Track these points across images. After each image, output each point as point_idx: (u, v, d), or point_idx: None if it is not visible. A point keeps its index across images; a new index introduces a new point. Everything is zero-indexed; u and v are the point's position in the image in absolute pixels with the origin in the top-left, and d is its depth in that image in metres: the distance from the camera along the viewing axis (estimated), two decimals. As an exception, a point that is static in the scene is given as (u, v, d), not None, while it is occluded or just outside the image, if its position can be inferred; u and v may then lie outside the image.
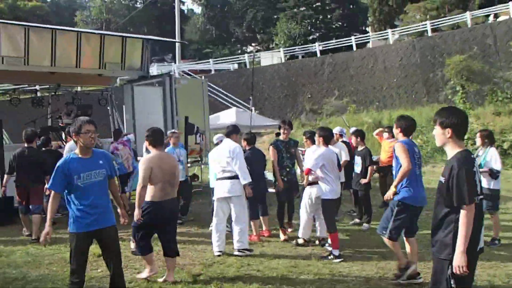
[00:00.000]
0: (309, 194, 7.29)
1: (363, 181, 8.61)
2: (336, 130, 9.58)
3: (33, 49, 11.19)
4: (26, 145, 8.43)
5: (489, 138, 7.30)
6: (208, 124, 13.80)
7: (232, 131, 7.33)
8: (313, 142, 7.38)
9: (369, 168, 8.63)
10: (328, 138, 6.97)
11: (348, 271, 6.10)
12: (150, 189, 5.58)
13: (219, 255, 6.82)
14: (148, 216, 5.57)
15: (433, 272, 3.61)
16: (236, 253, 6.85)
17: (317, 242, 7.41)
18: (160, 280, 5.69)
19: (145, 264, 5.94)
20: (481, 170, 7.02)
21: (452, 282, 3.42)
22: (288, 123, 8.45)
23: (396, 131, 5.85)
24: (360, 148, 8.94)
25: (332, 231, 6.69)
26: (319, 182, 6.87)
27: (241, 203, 7.00)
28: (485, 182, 7.01)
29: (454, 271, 3.38)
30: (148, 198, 5.57)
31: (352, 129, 10.19)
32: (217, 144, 8.66)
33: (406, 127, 5.70)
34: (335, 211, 7.02)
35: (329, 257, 6.57)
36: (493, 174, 7.03)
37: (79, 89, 16.04)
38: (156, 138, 5.80)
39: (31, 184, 8.23)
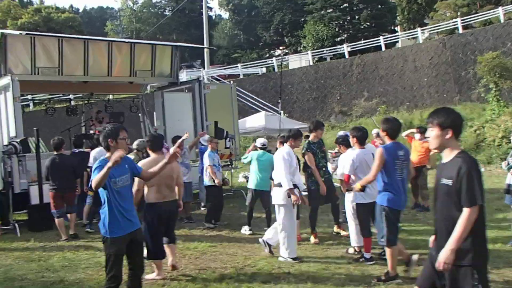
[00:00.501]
0: (351, 201, 7.09)
1: None
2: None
3: (66, 59, 11.56)
4: (55, 153, 8.99)
5: None
6: (237, 129, 13.90)
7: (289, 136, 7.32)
8: (347, 147, 7.37)
9: None
10: (362, 138, 6.73)
11: (379, 273, 6.06)
12: (147, 192, 5.93)
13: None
14: (149, 217, 5.90)
15: (452, 281, 3.37)
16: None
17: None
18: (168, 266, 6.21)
19: (154, 267, 6.13)
20: None
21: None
22: (316, 123, 8.37)
23: (382, 134, 5.88)
24: None
25: (366, 235, 6.57)
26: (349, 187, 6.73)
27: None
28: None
29: (438, 266, 3.32)
30: (147, 200, 5.94)
31: (375, 130, 10.11)
32: (262, 148, 8.85)
33: (392, 130, 5.69)
34: (369, 216, 6.63)
35: (360, 260, 6.53)
36: None
37: (111, 97, 16.36)
38: (155, 143, 6.19)
39: (65, 190, 8.78)
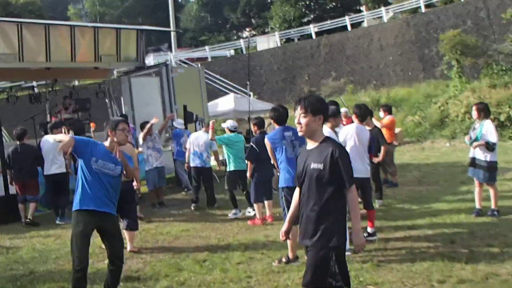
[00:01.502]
0: None
1: (376, 159, 8.50)
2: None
3: (27, 45, 11.17)
4: (18, 142, 9.28)
5: (484, 111, 7.35)
6: (207, 112, 13.86)
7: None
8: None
9: (383, 147, 8.48)
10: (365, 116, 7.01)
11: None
12: None
13: None
14: None
15: (315, 262, 3.46)
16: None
17: None
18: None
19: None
20: (477, 143, 7.15)
21: (336, 268, 3.44)
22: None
23: (270, 121, 6.33)
24: (369, 128, 8.79)
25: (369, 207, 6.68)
26: None
27: None
28: (481, 155, 7.15)
29: (356, 250, 3.54)
30: None
31: (343, 109, 10.18)
32: (233, 131, 8.76)
33: (278, 117, 6.06)
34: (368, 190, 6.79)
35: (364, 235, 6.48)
36: (489, 147, 7.10)
37: (76, 83, 16.04)
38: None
39: (24, 178, 9.08)
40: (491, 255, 5.57)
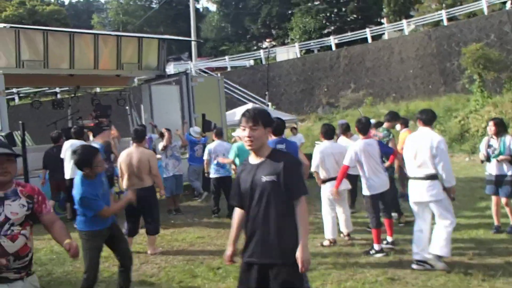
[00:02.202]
0: (326, 193, 7.22)
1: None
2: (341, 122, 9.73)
3: (52, 52, 11.47)
4: (53, 145, 9.91)
5: (502, 126, 7.26)
6: (225, 121, 13.95)
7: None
8: (326, 137, 7.39)
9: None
10: (365, 129, 6.80)
11: (365, 261, 6.19)
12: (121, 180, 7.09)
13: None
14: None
15: (290, 282, 3.26)
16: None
17: (342, 236, 7.36)
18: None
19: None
20: (502, 157, 6.98)
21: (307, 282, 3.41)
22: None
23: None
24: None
25: (376, 226, 6.53)
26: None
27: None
28: (505, 169, 7.03)
29: (303, 267, 3.20)
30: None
31: (372, 121, 10.19)
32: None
33: (275, 128, 6.19)
34: (377, 207, 6.63)
35: (371, 252, 6.47)
36: None
37: (98, 90, 16.29)
38: (136, 135, 7.09)
39: (60, 178, 9.41)
40: (509, 273, 5.49)
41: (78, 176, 4.85)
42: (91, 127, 11.27)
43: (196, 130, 11.64)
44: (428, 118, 6.10)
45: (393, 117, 8.76)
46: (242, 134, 3.36)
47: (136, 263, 6.48)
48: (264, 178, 3.28)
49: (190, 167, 11.23)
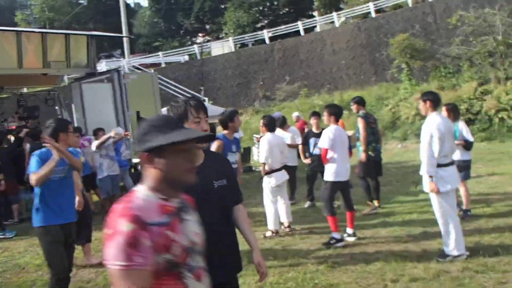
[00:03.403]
0: (268, 183, 7.26)
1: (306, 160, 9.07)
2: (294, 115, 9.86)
3: (-29, 51, 10.78)
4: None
5: (454, 112, 7.19)
6: (161, 118, 13.68)
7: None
8: (269, 129, 7.40)
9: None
10: (339, 115, 6.73)
11: (305, 252, 6.26)
12: None
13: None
14: None
15: None
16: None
17: (282, 228, 7.39)
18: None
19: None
20: (456, 142, 6.81)
21: None
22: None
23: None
24: (317, 131, 8.95)
25: (331, 213, 6.49)
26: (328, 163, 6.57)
27: None
28: (458, 154, 6.93)
29: (264, 272, 2.88)
30: None
31: (295, 114, 10.42)
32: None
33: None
34: (334, 195, 6.69)
35: (331, 242, 6.40)
36: (468, 145, 7.15)
37: (25, 90, 15.50)
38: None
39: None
40: (442, 254, 5.71)
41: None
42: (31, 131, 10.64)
43: (119, 130, 11.08)
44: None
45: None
46: (197, 127, 2.74)
47: (73, 269, 6.23)
48: (217, 183, 2.82)
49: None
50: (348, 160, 6.75)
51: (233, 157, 6.07)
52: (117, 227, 1.76)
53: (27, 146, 9.67)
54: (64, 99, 14.56)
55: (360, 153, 8.20)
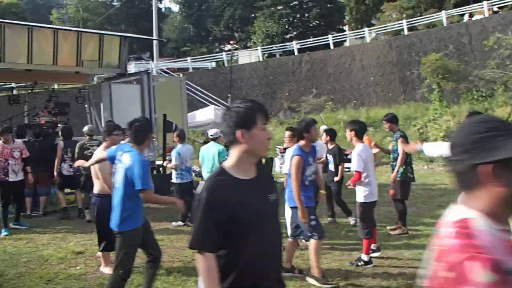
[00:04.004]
0: None
1: (336, 179, 8.71)
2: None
3: (9, 46, 11.00)
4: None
5: None
6: (186, 122, 13.78)
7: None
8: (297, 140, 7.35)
9: (340, 166, 8.72)
10: (361, 133, 6.33)
11: (327, 266, 6.19)
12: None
13: None
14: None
15: None
16: None
17: (303, 241, 7.28)
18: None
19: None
20: None
21: None
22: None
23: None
24: (330, 147, 8.99)
25: (365, 236, 6.27)
26: (358, 184, 6.25)
27: None
28: None
29: None
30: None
31: (323, 127, 10.34)
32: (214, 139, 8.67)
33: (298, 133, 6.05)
34: (373, 215, 6.47)
35: (359, 264, 6.21)
36: None
37: (56, 86, 15.80)
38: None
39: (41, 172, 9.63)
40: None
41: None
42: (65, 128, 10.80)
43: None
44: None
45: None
46: (262, 134, 2.42)
47: (94, 265, 6.29)
48: (272, 197, 2.55)
49: None
50: (375, 178, 6.58)
51: (311, 170, 5.72)
52: (467, 274, 1.29)
53: (61, 143, 9.82)
54: (93, 97, 14.78)
55: (400, 174, 7.76)
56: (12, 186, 8.45)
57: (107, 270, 5.86)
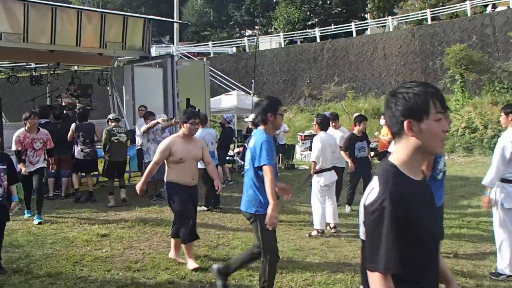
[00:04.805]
0: (317, 183, 7.20)
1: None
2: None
3: (32, 25, 10.98)
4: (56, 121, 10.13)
5: None
6: (209, 107, 13.71)
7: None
8: (322, 128, 7.31)
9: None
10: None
11: (353, 254, 6.11)
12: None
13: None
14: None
15: None
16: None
17: (328, 228, 7.31)
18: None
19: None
20: None
21: None
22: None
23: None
24: (360, 135, 8.88)
25: None
26: None
27: None
28: None
29: None
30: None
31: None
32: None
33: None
34: None
35: None
36: None
37: (77, 68, 15.80)
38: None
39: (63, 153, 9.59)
40: (495, 272, 5.48)
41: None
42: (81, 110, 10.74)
43: (164, 116, 11.13)
44: None
45: None
46: (437, 125, 1.95)
47: (119, 248, 6.29)
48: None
49: None
50: None
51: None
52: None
53: (73, 125, 9.78)
54: (115, 80, 14.77)
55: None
56: (24, 178, 7.54)
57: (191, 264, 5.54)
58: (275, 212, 4.19)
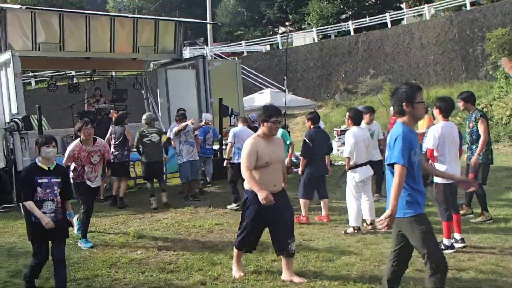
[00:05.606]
0: (352, 178, 7.04)
1: None
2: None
3: (68, 35, 11.31)
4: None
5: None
6: (242, 106, 13.71)
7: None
8: (355, 122, 7.16)
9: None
10: (447, 109, 6.11)
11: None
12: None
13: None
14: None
15: None
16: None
17: (365, 225, 7.13)
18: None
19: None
20: None
21: None
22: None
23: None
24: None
25: (446, 218, 5.94)
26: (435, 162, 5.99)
27: None
28: None
29: None
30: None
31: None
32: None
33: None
34: (451, 198, 6.02)
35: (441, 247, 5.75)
36: None
37: (113, 74, 16.13)
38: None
39: None
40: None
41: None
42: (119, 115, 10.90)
43: (208, 116, 11.20)
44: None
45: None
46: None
47: (154, 249, 6.33)
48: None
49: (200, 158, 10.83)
50: (458, 160, 6.12)
51: None
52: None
53: (111, 129, 9.94)
54: (149, 84, 14.99)
55: (481, 157, 7.17)
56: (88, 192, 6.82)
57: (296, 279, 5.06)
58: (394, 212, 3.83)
